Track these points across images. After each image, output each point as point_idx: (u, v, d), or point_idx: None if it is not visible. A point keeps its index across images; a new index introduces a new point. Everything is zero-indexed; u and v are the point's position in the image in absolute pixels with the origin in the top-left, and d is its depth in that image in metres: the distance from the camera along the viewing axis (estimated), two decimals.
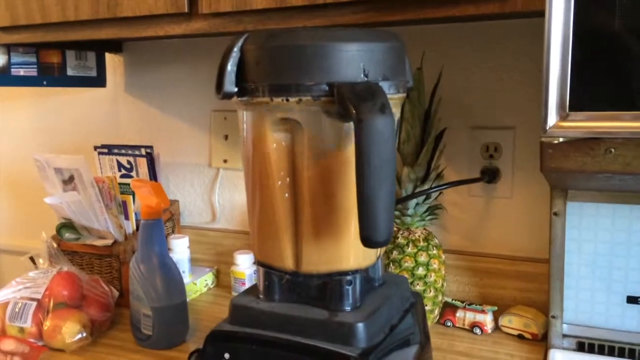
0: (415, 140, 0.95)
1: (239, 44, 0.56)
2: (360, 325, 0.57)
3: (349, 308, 0.60)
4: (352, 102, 0.52)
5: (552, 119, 0.55)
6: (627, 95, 0.55)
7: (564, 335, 0.90)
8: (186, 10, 0.86)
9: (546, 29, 0.54)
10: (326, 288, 0.60)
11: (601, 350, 0.88)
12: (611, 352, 0.87)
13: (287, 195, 0.59)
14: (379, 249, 0.63)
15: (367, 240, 0.53)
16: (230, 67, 0.56)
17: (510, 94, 1.01)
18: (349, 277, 0.60)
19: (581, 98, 0.55)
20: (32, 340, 0.94)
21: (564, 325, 0.90)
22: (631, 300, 0.86)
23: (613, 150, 0.57)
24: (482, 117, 1.04)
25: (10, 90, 1.43)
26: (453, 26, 1.02)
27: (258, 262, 0.63)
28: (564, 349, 0.90)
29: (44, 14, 0.93)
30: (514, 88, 1.00)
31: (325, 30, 0.56)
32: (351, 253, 0.60)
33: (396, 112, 0.61)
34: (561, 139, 0.57)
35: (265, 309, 0.61)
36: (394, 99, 0.58)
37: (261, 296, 0.63)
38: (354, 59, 0.55)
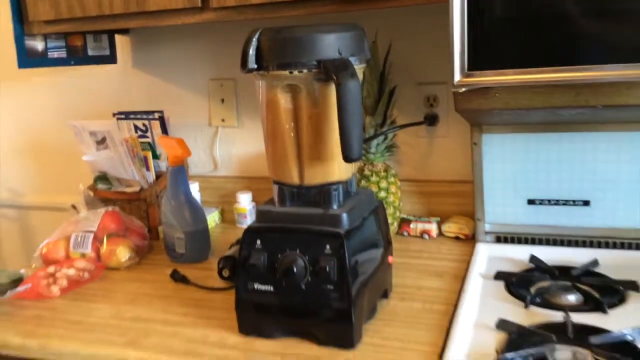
0: (374, 96, 1.23)
1: (257, 35, 0.84)
2: (344, 215, 0.86)
3: (336, 206, 0.88)
4: (333, 71, 0.79)
5: (457, 76, 0.85)
6: (506, 59, 0.86)
7: (486, 232, 1.16)
8: (199, 5, 1.09)
9: (450, 14, 0.83)
10: (321, 195, 0.88)
11: (512, 241, 1.15)
12: (519, 242, 1.14)
13: (292, 134, 0.87)
14: (353, 166, 0.92)
15: (347, 157, 0.81)
16: (252, 51, 0.84)
17: (444, 56, 1.26)
18: (335, 187, 0.88)
19: (476, 62, 0.86)
20: None
21: (486, 225, 1.16)
22: (530, 202, 1.13)
23: (497, 94, 0.88)
24: (423, 75, 1.31)
25: (36, 69, 1.62)
26: (400, 8, 1.26)
27: (273, 181, 0.92)
28: (486, 242, 1.16)
29: (83, 9, 1.15)
30: (446, 52, 1.28)
31: (313, 26, 0.84)
32: (335, 170, 0.87)
33: (360, 76, 0.90)
34: (464, 89, 0.88)
35: (281, 211, 0.90)
36: (359, 68, 0.87)
37: (276, 204, 0.93)
38: (332, 44, 0.81)
